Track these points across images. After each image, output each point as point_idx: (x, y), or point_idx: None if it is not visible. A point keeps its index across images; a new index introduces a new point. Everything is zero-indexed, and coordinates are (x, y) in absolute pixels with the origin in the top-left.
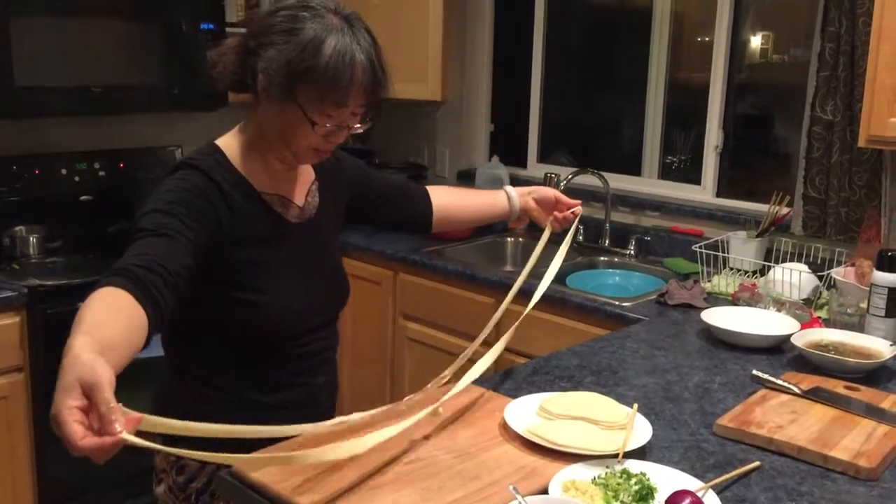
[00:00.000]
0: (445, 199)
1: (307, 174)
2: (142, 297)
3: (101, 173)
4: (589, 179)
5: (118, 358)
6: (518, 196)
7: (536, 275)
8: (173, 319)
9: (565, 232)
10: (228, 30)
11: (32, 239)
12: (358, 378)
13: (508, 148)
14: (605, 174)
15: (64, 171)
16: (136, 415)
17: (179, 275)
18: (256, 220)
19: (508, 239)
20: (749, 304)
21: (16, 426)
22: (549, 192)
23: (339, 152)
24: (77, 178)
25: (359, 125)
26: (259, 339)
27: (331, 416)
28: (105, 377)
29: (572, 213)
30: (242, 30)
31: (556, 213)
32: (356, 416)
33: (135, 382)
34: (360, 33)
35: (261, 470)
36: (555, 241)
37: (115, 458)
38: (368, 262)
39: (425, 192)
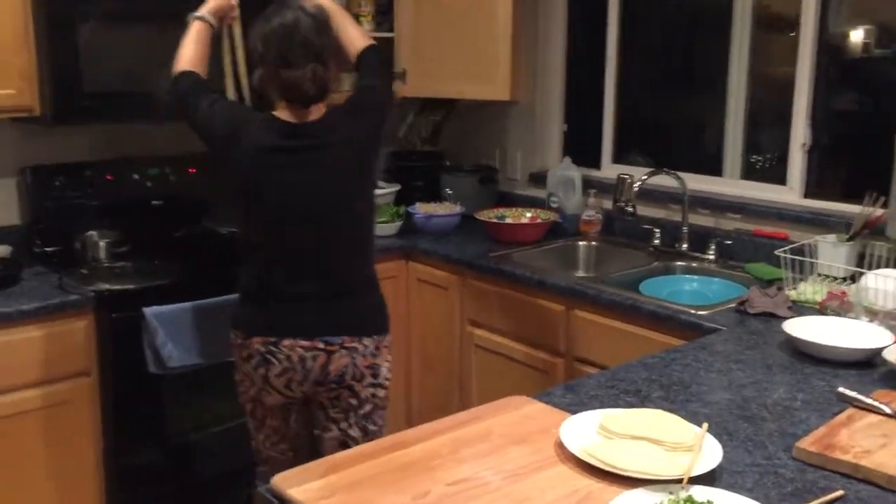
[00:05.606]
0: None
1: None
2: None
3: (172, 178)
4: (666, 180)
5: None
6: (207, 12)
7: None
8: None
9: None
10: None
11: (102, 244)
12: (427, 385)
13: (582, 148)
14: (683, 174)
15: (136, 177)
16: None
17: None
18: None
19: (581, 243)
20: (838, 314)
21: (84, 430)
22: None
23: None
24: (149, 184)
25: None
26: None
27: None
28: None
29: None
30: None
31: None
32: None
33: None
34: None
35: (299, 487)
36: None
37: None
38: (434, 267)
39: None
